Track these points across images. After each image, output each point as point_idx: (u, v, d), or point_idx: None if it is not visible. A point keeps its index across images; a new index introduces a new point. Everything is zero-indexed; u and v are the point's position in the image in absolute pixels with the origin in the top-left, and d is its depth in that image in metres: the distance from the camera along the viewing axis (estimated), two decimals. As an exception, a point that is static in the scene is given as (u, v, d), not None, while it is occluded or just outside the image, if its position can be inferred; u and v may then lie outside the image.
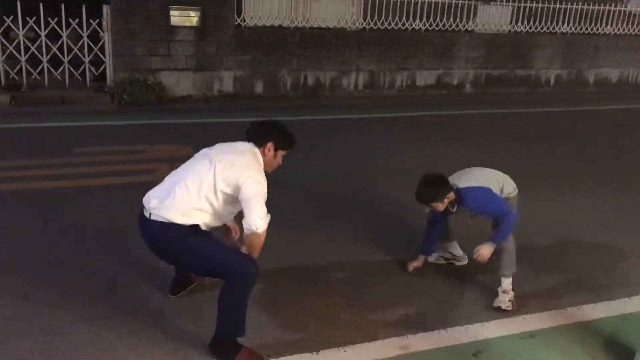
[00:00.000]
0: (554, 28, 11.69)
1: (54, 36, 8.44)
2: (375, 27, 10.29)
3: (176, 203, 2.85)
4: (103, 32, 8.62)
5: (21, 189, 4.99)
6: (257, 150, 3.01)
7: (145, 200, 2.97)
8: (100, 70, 8.80)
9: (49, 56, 8.47)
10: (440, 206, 3.48)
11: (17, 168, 5.47)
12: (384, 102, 10.05)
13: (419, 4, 10.44)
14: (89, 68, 8.75)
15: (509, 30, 11.41)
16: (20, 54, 8.32)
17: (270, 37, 9.57)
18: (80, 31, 8.50)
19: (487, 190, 3.47)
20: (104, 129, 7.26)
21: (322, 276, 3.80)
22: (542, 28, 11.57)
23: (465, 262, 3.99)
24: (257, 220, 2.81)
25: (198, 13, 8.95)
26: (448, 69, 11.08)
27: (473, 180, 3.52)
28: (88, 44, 8.60)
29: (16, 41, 8.30)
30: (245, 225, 2.85)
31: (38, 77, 8.52)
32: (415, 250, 3.94)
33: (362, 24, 10.22)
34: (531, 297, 3.59)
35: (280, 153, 3.08)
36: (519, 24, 11.37)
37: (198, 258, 2.90)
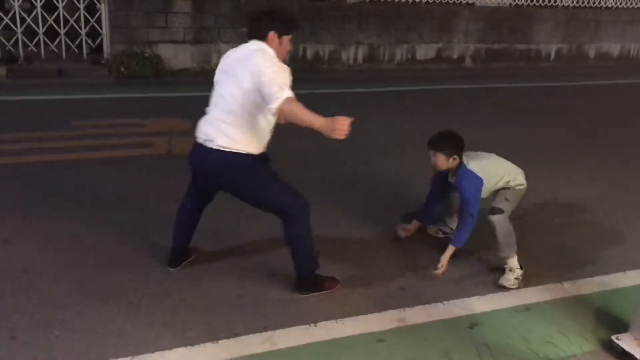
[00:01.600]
0: (555, 1, 11.57)
1: (49, 7, 8.34)
2: (375, 0, 10.17)
3: (230, 130, 2.89)
4: (99, 3, 8.51)
5: (18, 163, 4.98)
6: (263, 45, 2.97)
7: (199, 131, 3.01)
8: (97, 42, 8.71)
9: (45, 28, 8.38)
10: (443, 160, 3.48)
11: (13, 141, 5.44)
12: (384, 76, 9.98)
13: (420, -24, 10.31)
14: (86, 40, 8.66)
15: (510, 4, 11.29)
16: (16, 25, 8.23)
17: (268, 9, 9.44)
18: (76, 2, 8.39)
19: (480, 185, 3.46)
20: (101, 102, 7.21)
21: (319, 250, 3.81)
22: (543, 1, 11.45)
23: None
24: (270, 96, 2.69)
25: (195, -16, 8.83)
26: (448, 42, 10.98)
27: (477, 168, 3.49)
28: (84, 16, 8.50)
29: (12, 12, 8.19)
30: (270, 106, 2.72)
31: (34, 49, 8.43)
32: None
33: (362, -4, 10.10)
34: (527, 271, 3.61)
35: (286, 38, 3.03)
36: (521, -3, 11.25)
37: (263, 189, 2.99)
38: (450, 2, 10.69)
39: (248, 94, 2.85)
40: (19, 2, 8.16)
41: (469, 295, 3.38)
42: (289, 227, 3.09)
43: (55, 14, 8.36)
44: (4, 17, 8.18)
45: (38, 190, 4.47)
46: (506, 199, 3.55)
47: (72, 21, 8.46)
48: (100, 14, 8.56)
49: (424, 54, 10.86)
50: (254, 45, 2.98)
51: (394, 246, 3.90)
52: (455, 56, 11.12)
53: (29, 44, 8.37)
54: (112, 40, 8.62)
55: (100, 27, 8.62)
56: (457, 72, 10.68)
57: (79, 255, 3.56)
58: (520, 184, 3.62)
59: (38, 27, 8.32)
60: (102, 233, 3.84)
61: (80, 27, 8.55)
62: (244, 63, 2.90)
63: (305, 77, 9.42)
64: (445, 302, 3.30)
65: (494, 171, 3.55)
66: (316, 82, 9.07)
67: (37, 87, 7.56)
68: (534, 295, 3.43)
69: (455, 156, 3.47)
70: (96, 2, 8.49)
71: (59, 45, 8.53)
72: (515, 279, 3.50)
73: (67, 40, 8.55)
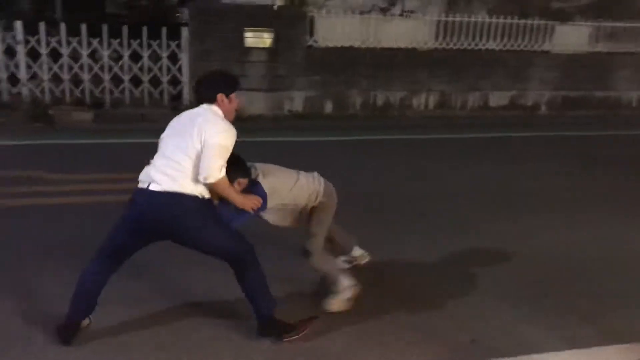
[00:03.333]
0: (635, 48, 11.22)
1: (135, 57, 8.90)
2: (447, 48, 10.21)
3: (176, 174, 2.94)
4: (181, 53, 8.99)
5: (100, 202, 5.23)
6: (212, 107, 3.08)
7: (144, 176, 3.04)
8: (177, 89, 9.16)
9: (130, 76, 8.92)
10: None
11: (97, 181, 5.75)
12: (455, 122, 9.91)
13: (493, 24, 10.30)
14: (167, 88, 9.13)
15: (588, 51, 11.04)
16: (104, 74, 8.80)
17: (341, 58, 9.67)
18: (159, 52, 8.91)
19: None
20: (179, 146, 7.50)
21: (385, 300, 3.75)
22: (622, 48, 11.12)
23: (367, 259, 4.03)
24: (206, 170, 2.87)
25: (271, 35, 9.18)
26: (522, 90, 10.83)
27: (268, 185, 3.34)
28: (167, 65, 9.00)
29: (101, 62, 8.78)
30: (201, 180, 2.90)
31: (119, 96, 8.97)
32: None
33: (434, 44, 10.17)
34: (606, 328, 3.42)
35: (233, 96, 3.13)
36: (598, 44, 10.99)
37: (212, 233, 2.98)
38: (525, 49, 10.58)
39: (195, 148, 2.95)
40: (108, 53, 8.74)
41: (541, 351, 3.21)
42: (242, 273, 3.05)
43: (140, 63, 8.90)
44: (94, 65, 8.77)
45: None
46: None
47: (155, 69, 8.97)
48: (181, 63, 9.03)
49: (496, 101, 10.74)
50: (204, 106, 3.11)
51: (459, 296, 3.78)
52: (529, 103, 10.93)
53: (115, 90, 8.91)
54: (192, 88, 9.03)
55: (181, 75, 9.08)
56: (531, 120, 10.47)
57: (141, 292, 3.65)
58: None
59: (124, 75, 8.86)
60: (168, 271, 3.94)
61: (162, 75, 9.04)
62: (193, 122, 3.03)
63: (375, 123, 9.52)
64: (519, 357, 3.15)
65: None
66: (386, 129, 9.13)
67: (121, 131, 7.98)
68: (615, 354, 3.22)
69: (239, 180, 3.22)
70: (177, 52, 8.98)
71: (142, 92, 9.03)
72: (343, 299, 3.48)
73: (150, 87, 9.05)
